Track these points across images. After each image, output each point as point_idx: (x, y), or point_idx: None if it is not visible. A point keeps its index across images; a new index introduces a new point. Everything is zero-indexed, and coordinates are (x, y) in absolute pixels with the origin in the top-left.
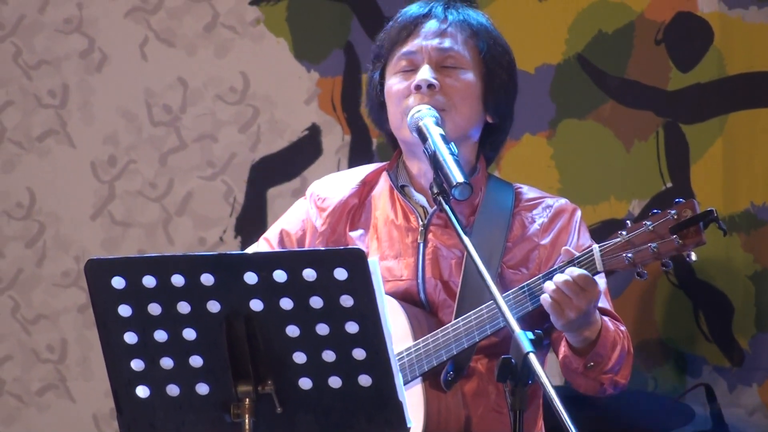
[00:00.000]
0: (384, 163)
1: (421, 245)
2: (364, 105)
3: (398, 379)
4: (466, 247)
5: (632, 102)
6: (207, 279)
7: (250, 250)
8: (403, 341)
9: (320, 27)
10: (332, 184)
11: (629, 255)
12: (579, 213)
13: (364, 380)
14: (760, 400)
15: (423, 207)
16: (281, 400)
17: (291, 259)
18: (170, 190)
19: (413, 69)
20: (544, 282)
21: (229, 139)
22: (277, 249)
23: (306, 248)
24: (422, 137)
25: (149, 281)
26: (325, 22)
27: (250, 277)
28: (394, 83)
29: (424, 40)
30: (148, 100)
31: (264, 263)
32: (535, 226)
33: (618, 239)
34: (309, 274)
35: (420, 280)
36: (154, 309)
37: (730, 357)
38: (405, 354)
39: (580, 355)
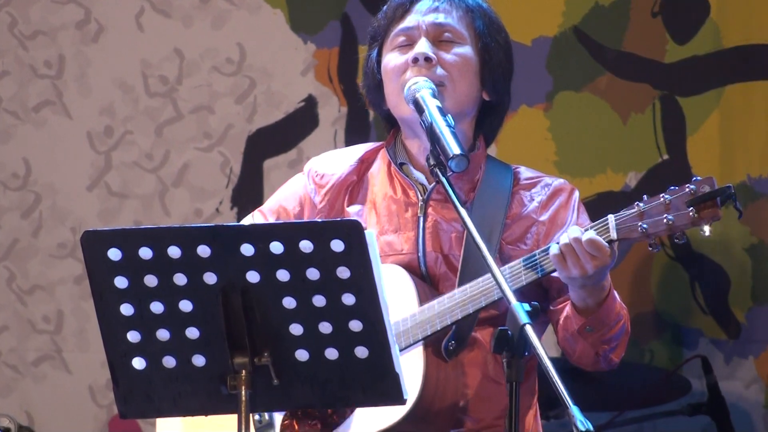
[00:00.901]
0: (382, 142)
1: (421, 219)
2: (361, 87)
3: (395, 351)
4: (461, 217)
5: (629, 74)
6: (203, 251)
7: (244, 221)
8: (410, 308)
9: None
10: (330, 161)
11: (644, 225)
12: (577, 193)
13: (361, 352)
14: (757, 372)
15: (422, 184)
16: (278, 371)
17: (287, 231)
18: (166, 161)
19: (410, 44)
20: None
21: (226, 111)
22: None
23: (303, 220)
24: (419, 109)
25: (146, 253)
26: None
27: (247, 249)
28: (391, 59)
29: (420, 16)
30: (144, 71)
31: (261, 235)
32: (534, 203)
33: (634, 209)
34: (306, 245)
35: (421, 254)
36: (151, 281)
37: (727, 329)
38: (410, 318)
39: (580, 315)
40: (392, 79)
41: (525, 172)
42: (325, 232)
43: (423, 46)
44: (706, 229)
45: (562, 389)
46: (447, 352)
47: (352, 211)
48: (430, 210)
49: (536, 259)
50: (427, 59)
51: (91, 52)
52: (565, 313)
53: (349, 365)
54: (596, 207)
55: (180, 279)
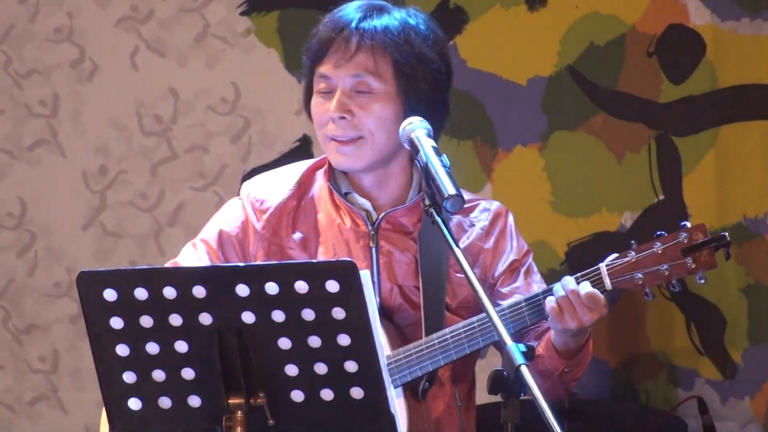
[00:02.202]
0: (315, 160)
1: (374, 249)
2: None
3: (390, 391)
4: (458, 260)
5: (624, 114)
6: (199, 291)
7: (185, 252)
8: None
9: None
10: (268, 186)
11: (639, 275)
12: (512, 216)
13: (356, 392)
14: (753, 413)
15: (367, 211)
16: (273, 412)
17: (283, 272)
18: (161, 201)
19: (331, 91)
20: (544, 298)
21: (221, 150)
22: (218, 251)
23: (298, 260)
24: (414, 149)
25: (141, 293)
26: None
27: (242, 290)
28: (315, 104)
29: (336, 65)
30: (138, 111)
31: (256, 275)
32: (477, 229)
33: (627, 259)
34: (301, 286)
35: (376, 286)
36: (146, 321)
37: (723, 370)
38: (393, 360)
39: (561, 358)
40: (317, 126)
41: None
42: (320, 273)
43: (337, 106)
44: (703, 278)
45: (557, 430)
46: (423, 393)
47: (298, 239)
48: (381, 240)
49: (522, 309)
50: (342, 118)
51: (85, 91)
52: (538, 352)
53: (345, 406)
54: (592, 247)
55: (175, 320)
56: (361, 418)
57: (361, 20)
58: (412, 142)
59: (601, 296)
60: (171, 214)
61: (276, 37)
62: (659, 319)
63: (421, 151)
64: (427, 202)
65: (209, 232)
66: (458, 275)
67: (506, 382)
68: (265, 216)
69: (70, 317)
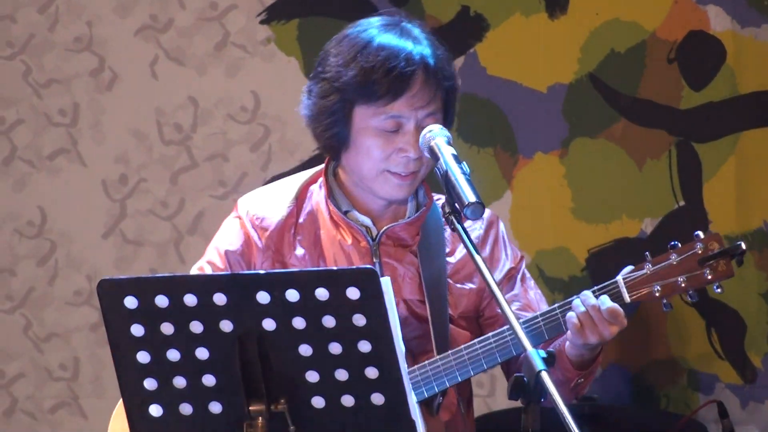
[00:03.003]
0: (307, 175)
1: (378, 265)
2: (312, 123)
3: (411, 397)
4: (479, 268)
5: (644, 121)
6: (219, 298)
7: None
8: None
9: None
10: (266, 203)
11: (657, 288)
12: (502, 224)
13: (377, 399)
14: None
15: (367, 227)
16: (294, 419)
17: (303, 279)
18: (181, 209)
19: (398, 129)
20: (561, 312)
21: (240, 159)
22: (227, 271)
23: (318, 268)
24: (434, 156)
25: (162, 301)
26: None
27: (263, 297)
28: (376, 144)
29: (413, 105)
30: (158, 119)
31: (276, 282)
32: (472, 237)
33: (643, 271)
34: (321, 293)
35: None
36: (167, 328)
37: (743, 374)
38: (410, 378)
39: (576, 369)
40: (374, 159)
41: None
42: (341, 280)
43: (415, 147)
44: (719, 286)
45: None
46: (438, 407)
47: (299, 254)
48: (383, 256)
49: (539, 324)
50: (419, 157)
51: (105, 100)
52: None
53: (366, 412)
54: (612, 254)
55: (196, 327)
56: (381, 424)
57: (425, 57)
58: (432, 150)
59: (621, 310)
60: (191, 222)
61: (296, 45)
62: (679, 324)
63: (441, 159)
64: (447, 210)
65: (214, 253)
66: (458, 285)
67: (527, 387)
68: (267, 233)
69: (90, 325)
